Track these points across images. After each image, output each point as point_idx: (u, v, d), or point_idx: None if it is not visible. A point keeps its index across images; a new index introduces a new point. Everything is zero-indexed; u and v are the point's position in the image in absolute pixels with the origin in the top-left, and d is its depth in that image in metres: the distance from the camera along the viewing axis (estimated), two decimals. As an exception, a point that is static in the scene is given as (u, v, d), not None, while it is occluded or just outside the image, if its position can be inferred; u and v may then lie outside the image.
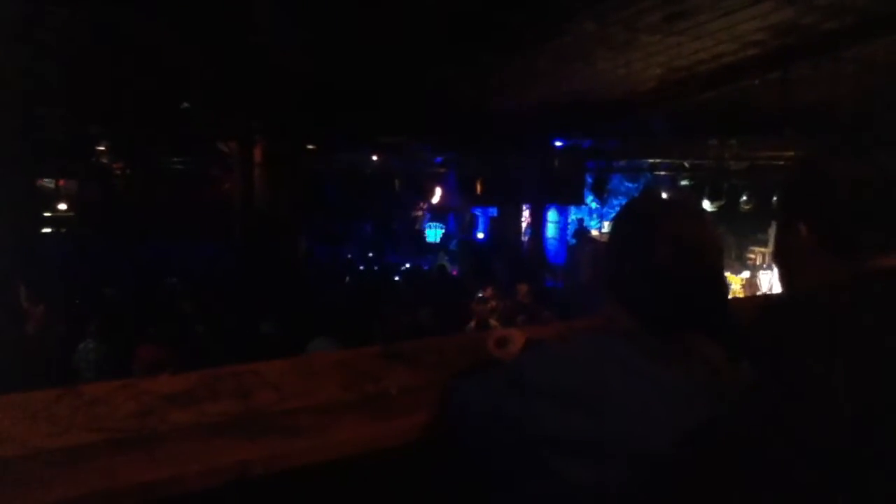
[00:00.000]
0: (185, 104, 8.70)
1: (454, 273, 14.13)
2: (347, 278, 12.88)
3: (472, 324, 7.28)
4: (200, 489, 1.33)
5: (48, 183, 14.88)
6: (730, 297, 1.39)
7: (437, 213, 19.32)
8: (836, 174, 1.20)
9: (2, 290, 9.74)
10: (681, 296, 1.28)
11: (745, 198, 13.31)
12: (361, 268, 15.10)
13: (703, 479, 1.11)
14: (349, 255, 16.84)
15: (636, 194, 16.48)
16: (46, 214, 14.96)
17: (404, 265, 15.34)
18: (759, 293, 12.09)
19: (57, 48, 6.49)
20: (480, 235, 18.20)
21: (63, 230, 15.07)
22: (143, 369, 6.06)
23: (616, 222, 1.47)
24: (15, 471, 1.35)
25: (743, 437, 1.07)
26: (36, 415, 1.45)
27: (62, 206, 15.11)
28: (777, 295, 1.56)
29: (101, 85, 7.71)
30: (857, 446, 0.95)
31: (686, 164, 14.29)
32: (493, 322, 7.22)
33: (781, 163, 12.63)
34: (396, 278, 13.22)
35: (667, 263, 1.27)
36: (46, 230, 15.15)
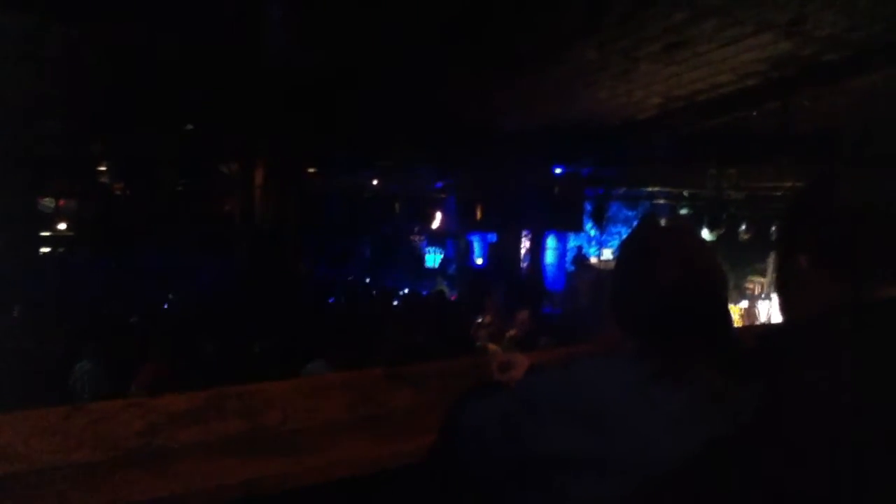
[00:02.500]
0: (189, 125, 8.76)
1: (453, 298, 14.11)
2: (345, 301, 12.88)
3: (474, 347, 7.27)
4: (207, 508, 1.35)
5: (48, 202, 14.90)
6: (732, 323, 1.41)
7: (437, 238, 19.33)
8: (836, 204, 1.22)
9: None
10: (684, 319, 1.30)
11: (743, 227, 13.35)
12: (358, 292, 15.09)
13: (703, 499, 1.13)
14: (349, 278, 16.83)
15: (635, 222, 16.54)
16: (46, 234, 14.97)
17: (403, 289, 15.34)
18: (757, 323, 12.10)
19: (58, 67, 6.54)
20: (479, 261, 18.21)
21: (62, 250, 15.06)
22: (143, 388, 6.06)
23: (622, 248, 1.50)
24: (23, 487, 1.36)
25: (744, 458, 1.08)
26: (45, 432, 1.47)
27: (62, 226, 15.11)
28: (777, 324, 1.58)
29: (103, 104, 7.75)
30: (860, 469, 0.96)
31: (685, 193, 14.34)
32: (492, 347, 7.21)
33: (780, 193, 12.68)
34: (395, 302, 13.22)
35: (670, 288, 1.30)
36: (45, 249, 15.15)
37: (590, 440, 1.24)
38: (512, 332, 8.22)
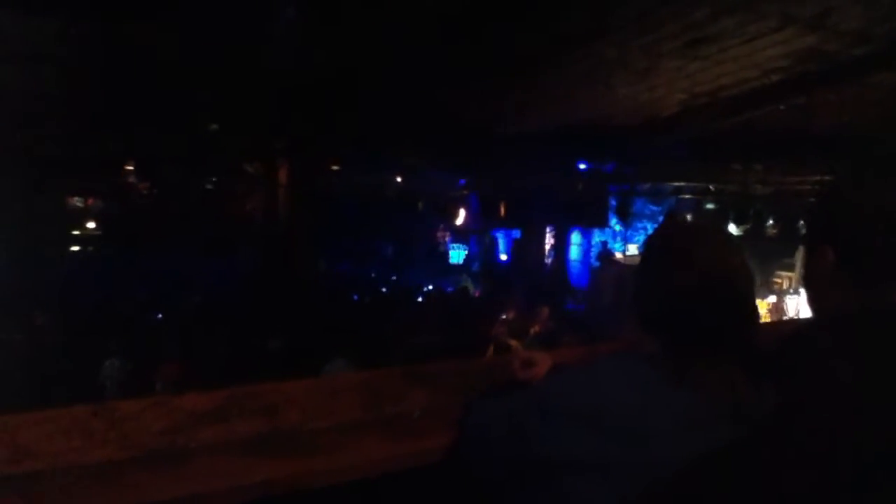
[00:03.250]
0: (214, 125, 8.83)
1: (477, 295, 14.11)
2: (368, 299, 12.93)
3: (491, 348, 7.27)
4: (227, 506, 1.36)
5: (77, 202, 15.09)
6: (757, 325, 1.39)
7: (461, 235, 19.34)
8: (862, 203, 1.21)
9: (26, 306, 9.91)
10: (705, 321, 1.29)
11: (770, 222, 13.23)
12: (384, 290, 15.13)
13: (713, 503, 1.12)
14: (372, 275, 16.88)
15: (660, 218, 16.46)
16: (75, 233, 15.16)
17: (427, 286, 15.35)
18: (785, 318, 11.98)
19: (83, 68, 6.61)
20: (504, 257, 18.18)
21: (91, 248, 15.24)
22: (165, 386, 6.14)
23: (646, 246, 1.49)
24: (47, 485, 1.38)
25: (763, 461, 1.07)
26: (69, 430, 1.49)
27: (91, 225, 15.29)
28: (803, 320, 1.57)
29: (129, 105, 7.82)
30: (872, 474, 0.95)
31: (711, 188, 14.23)
32: (514, 343, 7.21)
33: (807, 187, 12.55)
34: (419, 299, 13.26)
35: (693, 289, 1.29)
36: (74, 248, 15.35)
37: (596, 443, 1.24)
38: (535, 329, 8.22)
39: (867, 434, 0.98)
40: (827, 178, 7.68)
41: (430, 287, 15.31)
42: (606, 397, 1.27)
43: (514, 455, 1.36)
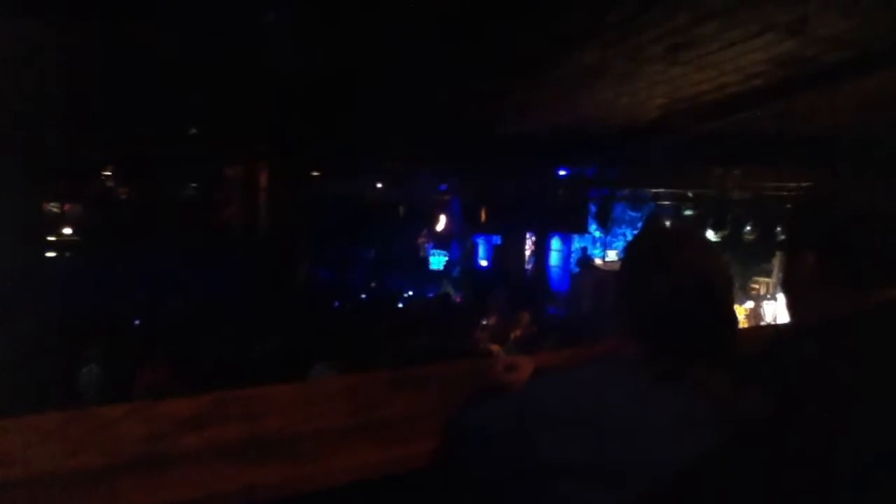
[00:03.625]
0: (193, 129, 8.78)
1: (458, 300, 14.11)
2: (350, 304, 12.87)
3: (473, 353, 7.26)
4: (208, 514, 1.34)
5: (54, 207, 14.92)
6: (737, 328, 1.40)
7: (441, 241, 19.34)
8: (843, 207, 1.21)
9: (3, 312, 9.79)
10: (688, 324, 1.30)
11: (748, 228, 13.31)
12: (363, 296, 15.08)
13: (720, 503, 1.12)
14: (352, 281, 16.82)
15: (640, 223, 16.55)
16: (51, 238, 14.98)
17: (407, 292, 15.32)
18: (763, 323, 12.07)
19: (61, 71, 6.55)
20: (484, 263, 18.19)
21: (67, 254, 15.08)
22: (144, 392, 6.07)
23: (627, 251, 1.50)
24: (24, 493, 1.35)
25: (749, 464, 1.07)
26: (46, 437, 1.46)
27: (67, 231, 15.12)
28: (785, 325, 1.57)
29: (107, 108, 7.76)
30: (881, 475, 0.95)
31: (689, 194, 14.31)
32: (495, 348, 7.21)
33: (785, 193, 12.65)
34: (400, 305, 13.23)
35: (675, 293, 1.29)
36: (51, 254, 15.17)
37: (592, 446, 1.23)
38: (517, 334, 8.24)
39: (867, 433, 0.99)
40: (806, 183, 7.75)
41: (410, 293, 15.28)
42: (594, 402, 1.27)
43: (508, 459, 1.35)
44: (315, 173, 12.01)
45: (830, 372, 1.07)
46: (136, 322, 10.01)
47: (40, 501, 1.32)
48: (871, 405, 1.01)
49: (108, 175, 11.67)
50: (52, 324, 9.11)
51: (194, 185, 13.51)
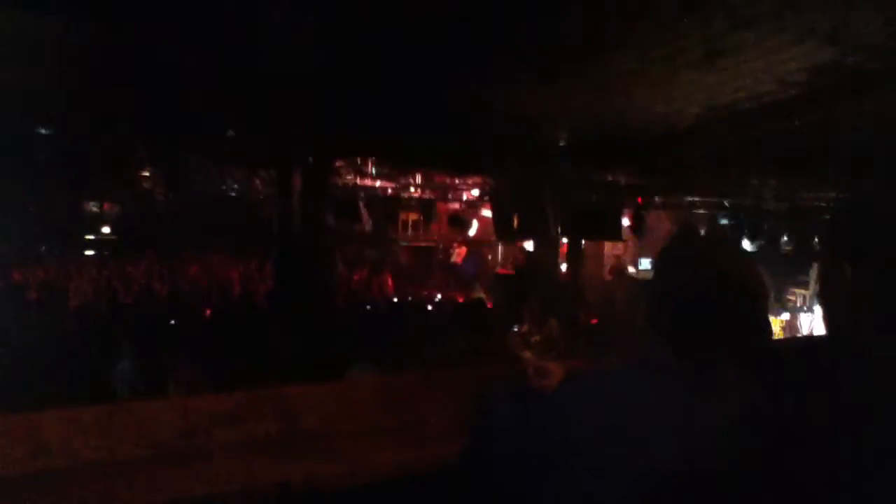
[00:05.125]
0: (231, 132, 8.87)
1: (490, 306, 14.09)
2: (382, 307, 12.92)
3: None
4: (243, 507, 1.37)
5: (93, 207, 15.17)
6: (771, 335, 1.39)
7: (475, 246, 19.32)
8: (881, 216, 1.20)
9: (41, 309, 9.99)
10: (721, 332, 1.29)
11: (785, 238, 13.13)
12: (395, 300, 15.13)
13: None
14: (384, 284, 16.87)
15: (675, 232, 16.39)
16: (90, 237, 15.24)
17: (438, 297, 15.35)
18: (799, 335, 11.91)
19: (101, 73, 6.65)
20: (517, 269, 18.14)
21: (106, 253, 15.32)
22: (179, 389, 6.14)
23: (659, 258, 1.49)
24: (64, 482, 1.39)
25: (779, 470, 1.07)
26: (87, 429, 1.50)
27: (105, 230, 15.37)
28: (820, 336, 1.56)
29: (146, 111, 7.87)
30: (885, 484, 0.95)
31: (725, 203, 14.17)
32: (526, 354, 7.20)
33: (823, 204, 12.48)
34: (429, 308, 13.26)
35: (708, 301, 1.29)
36: (90, 252, 15.43)
37: (621, 452, 1.24)
38: (536, 338, 8.22)
39: (878, 449, 0.99)
40: (844, 194, 7.64)
41: (440, 297, 15.31)
42: (626, 408, 1.28)
43: (532, 462, 1.36)
44: (349, 177, 12.07)
45: (864, 381, 1.07)
46: (172, 321, 10.13)
47: (84, 490, 1.36)
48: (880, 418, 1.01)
49: (145, 176, 11.82)
50: (88, 320, 9.29)
51: (231, 187, 13.67)
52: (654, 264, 1.53)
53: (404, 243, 18.55)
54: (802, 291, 14.50)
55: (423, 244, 19.08)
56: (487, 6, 5.02)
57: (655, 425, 1.25)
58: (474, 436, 1.59)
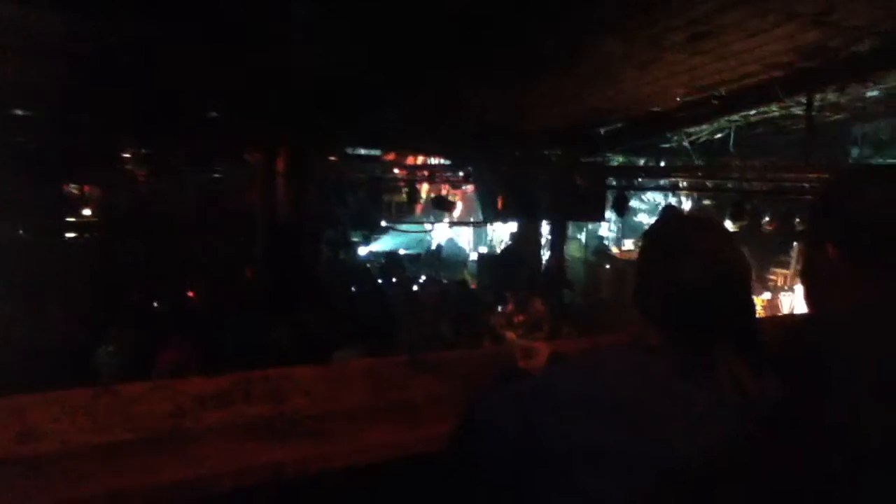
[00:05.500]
0: (213, 113, 8.81)
1: (474, 287, 14.12)
2: (368, 289, 12.92)
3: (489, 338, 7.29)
4: (234, 489, 1.37)
5: (74, 189, 15.04)
6: (756, 316, 1.40)
7: (459, 227, 19.38)
8: (866, 197, 1.21)
9: (24, 293, 9.91)
10: (709, 313, 1.30)
11: (767, 219, 13.20)
12: (380, 281, 15.15)
13: (728, 494, 1.13)
14: (368, 266, 16.88)
15: (658, 212, 16.47)
16: (71, 220, 15.11)
17: (423, 278, 15.37)
18: (781, 314, 12.01)
19: (84, 59, 6.59)
20: (500, 250, 18.20)
21: (87, 235, 15.20)
22: (163, 373, 6.13)
23: (645, 240, 1.50)
24: (53, 466, 1.39)
25: (769, 454, 1.08)
26: (75, 412, 1.49)
27: (87, 212, 15.24)
28: (804, 315, 1.58)
29: (128, 94, 7.81)
30: (884, 466, 0.96)
31: (708, 184, 14.22)
32: (511, 335, 7.22)
33: (805, 185, 12.55)
34: (415, 288, 13.29)
35: (696, 281, 1.30)
36: (71, 235, 15.30)
37: (611, 434, 1.24)
38: (520, 318, 8.25)
39: (869, 429, 1.00)
40: (826, 175, 7.70)
41: (424, 278, 15.34)
42: (616, 389, 1.28)
43: (522, 445, 1.36)
44: (333, 158, 12.02)
45: (835, 366, 1.08)
46: (156, 304, 10.08)
47: (72, 473, 1.36)
48: (875, 401, 1.02)
49: (128, 158, 11.74)
50: (73, 303, 9.23)
51: (215, 170, 13.60)
52: (639, 245, 1.53)
53: (389, 224, 18.50)
54: (784, 271, 14.62)
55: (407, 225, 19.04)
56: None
57: (643, 407, 1.26)
58: (464, 420, 1.59)
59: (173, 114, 8.65)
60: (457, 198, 16.98)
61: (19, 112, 8.45)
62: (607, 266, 16.23)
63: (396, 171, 14.35)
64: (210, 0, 5.19)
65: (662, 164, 13.65)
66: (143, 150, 10.71)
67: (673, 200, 17.36)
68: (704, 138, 9.97)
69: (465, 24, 5.41)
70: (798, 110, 7.67)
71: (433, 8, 5.18)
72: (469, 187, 15.68)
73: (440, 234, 20.29)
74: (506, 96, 7.94)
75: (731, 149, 10.02)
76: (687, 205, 16.59)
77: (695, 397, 1.25)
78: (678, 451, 1.19)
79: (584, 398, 1.29)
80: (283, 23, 5.51)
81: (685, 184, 14.55)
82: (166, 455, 1.44)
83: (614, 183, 13.24)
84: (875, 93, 7.23)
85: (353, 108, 8.17)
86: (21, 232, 13.22)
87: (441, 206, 14.94)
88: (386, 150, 12.27)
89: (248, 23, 5.60)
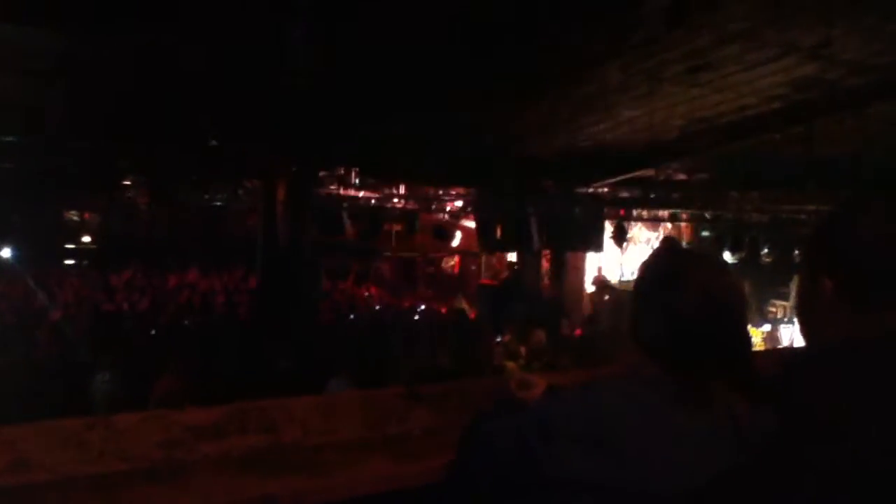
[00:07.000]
0: (213, 141, 8.84)
1: (472, 317, 14.08)
2: (366, 318, 12.89)
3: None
4: (226, 522, 1.36)
5: (73, 216, 15.09)
6: (752, 348, 1.40)
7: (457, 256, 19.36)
8: (863, 231, 1.21)
9: (20, 317, 9.88)
10: (705, 345, 1.30)
11: (766, 250, 13.21)
12: (377, 307, 15.12)
13: None
14: (366, 294, 16.85)
15: (657, 244, 16.48)
16: (70, 246, 15.14)
17: (421, 307, 15.33)
18: (780, 346, 11.97)
19: (82, 84, 6.62)
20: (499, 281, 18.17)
21: (86, 262, 15.21)
22: (159, 401, 6.09)
23: (641, 272, 1.49)
24: (44, 497, 1.37)
25: (763, 486, 1.07)
26: (67, 442, 1.48)
27: (86, 239, 15.28)
28: (799, 349, 1.57)
29: (128, 120, 7.83)
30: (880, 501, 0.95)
31: (707, 216, 14.25)
32: (510, 365, 7.20)
33: (803, 217, 12.58)
34: (416, 318, 13.26)
35: (691, 313, 1.29)
36: (69, 262, 15.32)
37: (606, 465, 1.23)
38: (521, 349, 8.25)
39: (866, 466, 0.99)
40: (825, 207, 7.72)
41: (423, 307, 15.29)
42: (610, 420, 1.28)
43: (517, 474, 1.35)
44: (332, 187, 12.06)
45: (830, 401, 1.08)
46: (153, 332, 10.04)
47: (64, 505, 1.35)
48: (871, 436, 1.01)
49: (128, 185, 11.77)
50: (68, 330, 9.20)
51: (215, 197, 13.63)
52: (635, 277, 1.53)
53: (388, 254, 18.51)
54: (783, 303, 14.60)
55: (406, 255, 19.05)
56: (474, 23, 5.05)
57: (638, 438, 1.25)
58: (459, 449, 1.58)
59: (174, 141, 8.68)
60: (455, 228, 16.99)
61: (12, 139, 8.47)
62: (606, 297, 16.20)
63: (396, 200, 14.38)
64: (212, 28, 5.22)
65: (661, 194, 13.68)
66: (143, 178, 10.72)
67: (672, 231, 17.36)
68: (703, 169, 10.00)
69: (463, 47, 5.44)
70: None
71: (435, 31, 5.22)
72: (469, 222, 15.69)
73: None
74: (501, 119, 7.96)
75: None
76: (685, 236, 16.59)
77: (689, 427, 1.24)
78: (672, 480, 1.18)
79: (581, 429, 1.29)
80: (283, 48, 5.54)
81: (684, 216, 14.60)
82: (157, 486, 1.42)
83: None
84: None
85: (353, 135, 8.19)
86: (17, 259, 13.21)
87: (440, 235, 14.95)
88: (386, 180, 12.31)
89: (249, 48, 5.63)
